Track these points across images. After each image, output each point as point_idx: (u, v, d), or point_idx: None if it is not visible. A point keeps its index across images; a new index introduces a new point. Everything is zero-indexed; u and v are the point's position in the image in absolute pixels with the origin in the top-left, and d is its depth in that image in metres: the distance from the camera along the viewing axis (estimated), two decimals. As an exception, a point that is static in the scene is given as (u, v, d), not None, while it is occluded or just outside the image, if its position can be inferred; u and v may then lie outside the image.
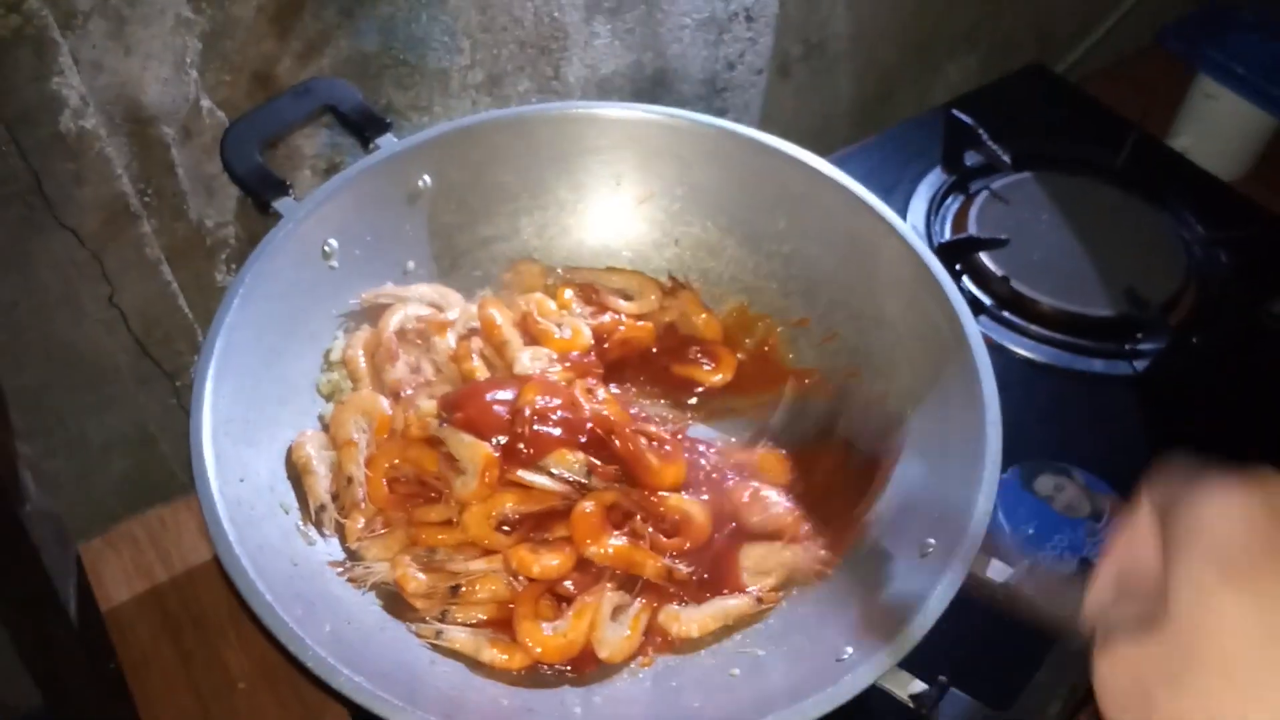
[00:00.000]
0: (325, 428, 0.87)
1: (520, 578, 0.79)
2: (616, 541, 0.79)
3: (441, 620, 0.77)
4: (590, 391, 0.86)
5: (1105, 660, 0.45)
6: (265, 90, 0.94)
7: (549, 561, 0.79)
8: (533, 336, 0.94)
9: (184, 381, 1.04)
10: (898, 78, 1.53)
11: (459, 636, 0.76)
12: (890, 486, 0.84)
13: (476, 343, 0.92)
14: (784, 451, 0.90)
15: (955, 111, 1.26)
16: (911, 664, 0.66)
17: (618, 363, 0.96)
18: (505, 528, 0.81)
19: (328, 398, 0.89)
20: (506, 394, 0.84)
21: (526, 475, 0.81)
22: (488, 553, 0.80)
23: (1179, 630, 0.43)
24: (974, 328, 0.82)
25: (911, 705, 0.65)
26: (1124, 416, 1.06)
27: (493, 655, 0.76)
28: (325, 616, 0.71)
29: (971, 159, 1.28)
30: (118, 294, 0.94)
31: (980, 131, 1.24)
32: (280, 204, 0.86)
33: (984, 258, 1.16)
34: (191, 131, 0.91)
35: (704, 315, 1.00)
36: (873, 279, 0.92)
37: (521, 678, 0.76)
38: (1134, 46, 1.69)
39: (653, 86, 1.23)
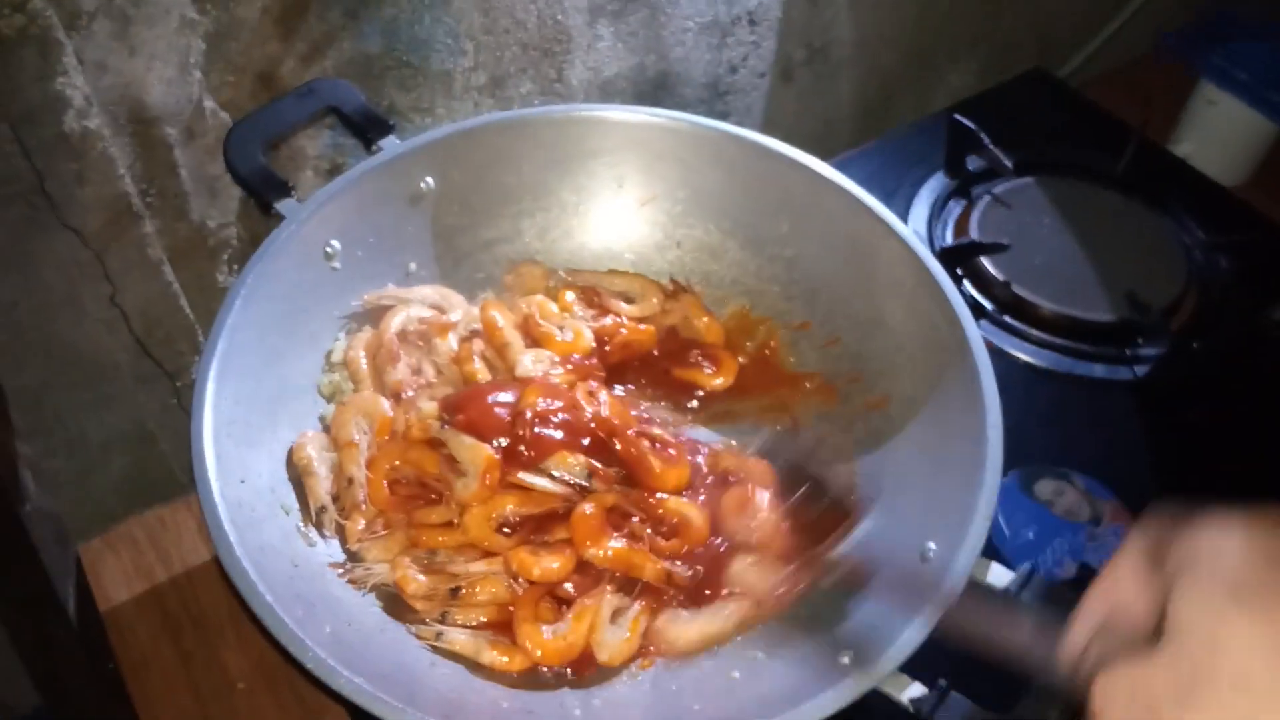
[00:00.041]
0: (326, 429, 0.87)
1: (520, 580, 0.79)
2: (616, 544, 0.79)
3: (442, 622, 0.77)
4: (592, 394, 0.86)
5: (1105, 683, 0.45)
6: (269, 91, 0.94)
7: (549, 564, 0.78)
8: (534, 339, 0.94)
9: (184, 381, 1.04)
10: (900, 82, 1.53)
11: (459, 638, 0.76)
12: (885, 498, 0.85)
13: (478, 345, 0.92)
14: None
15: (957, 116, 1.26)
16: (911, 668, 0.65)
17: (619, 365, 0.95)
18: (505, 530, 0.81)
19: (329, 399, 0.89)
20: (508, 396, 0.84)
21: (527, 477, 0.81)
22: (488, 555, 0.80)
23: (1187, 649, 0.43)
24: (975, 332, 0.82)
25: (911, 709, 0.65)
26: (1124, 421, 1.05)
27: (493, 657, 0.76)
28: (325, 618, 0.71)
29: (973, 164, 1.28)
30: (119, 294, 0.94)
31: (982, 136, 1.24)
32: (283, 205, 0.86)
33: (985, 262, 1.16)
34: (195, 132, 0.92)
35: (705, 319, 1.00)
36: (874, 283, 0.93)
37: (521, 680, 0.75)
38: (1135, 52, 1.69)
39: (655, 89, 1.23)
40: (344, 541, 0.81)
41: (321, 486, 0.82)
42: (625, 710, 0.75)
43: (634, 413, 0.89)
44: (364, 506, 0.82)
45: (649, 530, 0.81)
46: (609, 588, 0.79)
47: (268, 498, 0.78)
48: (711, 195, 1.01)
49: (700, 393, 0.96)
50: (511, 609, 0.78)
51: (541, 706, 0.74)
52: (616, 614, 0.78)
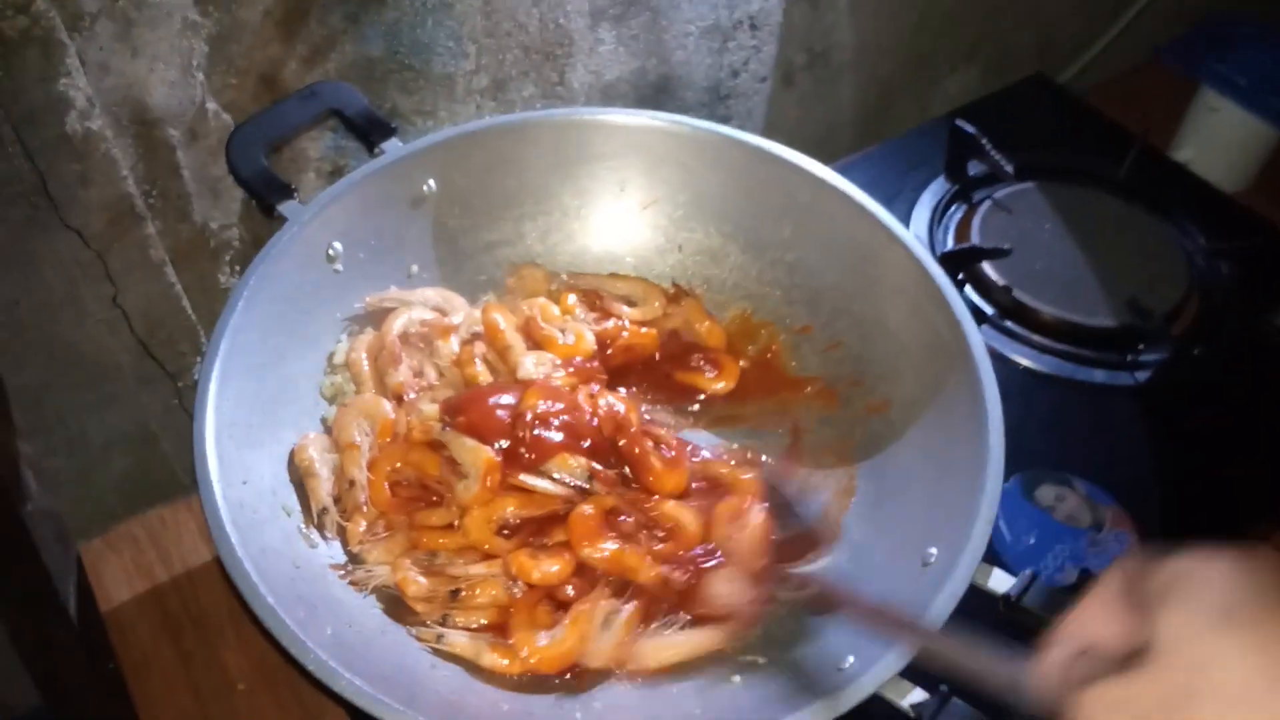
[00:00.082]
0: (328, 430, 0.87)
1: (519, 583, 0.79)
2: (612, 545, 0.79)
3: (442, 624, 0.77)
4: (594, 397, 0.86)
5: (1090, 698, 0.46)
6: (271, 94, 0.94)
7: (549, 567, 0.78)
8: (536, 341, 0.94)
9: (186, 382, 1.04)
10: (901, 87, 1.53)
11: (459, 640, 0.76)
12: (886, 503, 0.84)
13: (479, 347, 0.92)
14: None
15: (958, 121, 1.26)
16: (912, 673, 0.65)
17: (621, 369, 0.95)
18: (506, 532, 0.81)
19: (331, 400, 0.89)
20: (509, 398, 0.84)
21: (528, 479, 0.81)
22: (488, 557, 0.80)
23: (1177, 667, 0.43)
24: (977, 337, 0.82)
25: (912, 715, 0.65)
26: (1126, 427, 1.06)
27: (493, 660, 0.76)
28: (327, 619, 0.71)
29: (974, 168, 1.28)
30: (121, 294, 0.95)
31: (983, 141, 1.24)
32: (285, 207, 0.86)
33: (986, 267, 1.16)
34: (197, 134, 0.92)
35: (707, 322, 1.00)
36: (876, 287, 0.93)
37: (522, 683, 0.75)
38: (1136, 58, 1.69)
39: (656, 93, 1.23)
40: (345, 543, 0.81)
41: (323, 488, 0.82)
42: (625, 713, 0.75)
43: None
44: (365, 508, 0.82)
45: (643, 533, 0.81)
46: (605, 591, 0.78)
47: (269, 499, 0.78)
48: (713, 199, 1.01)
49: (701, 396, 0.97)
50: (512, 612, 0.78)
51: (542, 709, 0.74)
52: (609, 618, 0.77)
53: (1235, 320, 1.15)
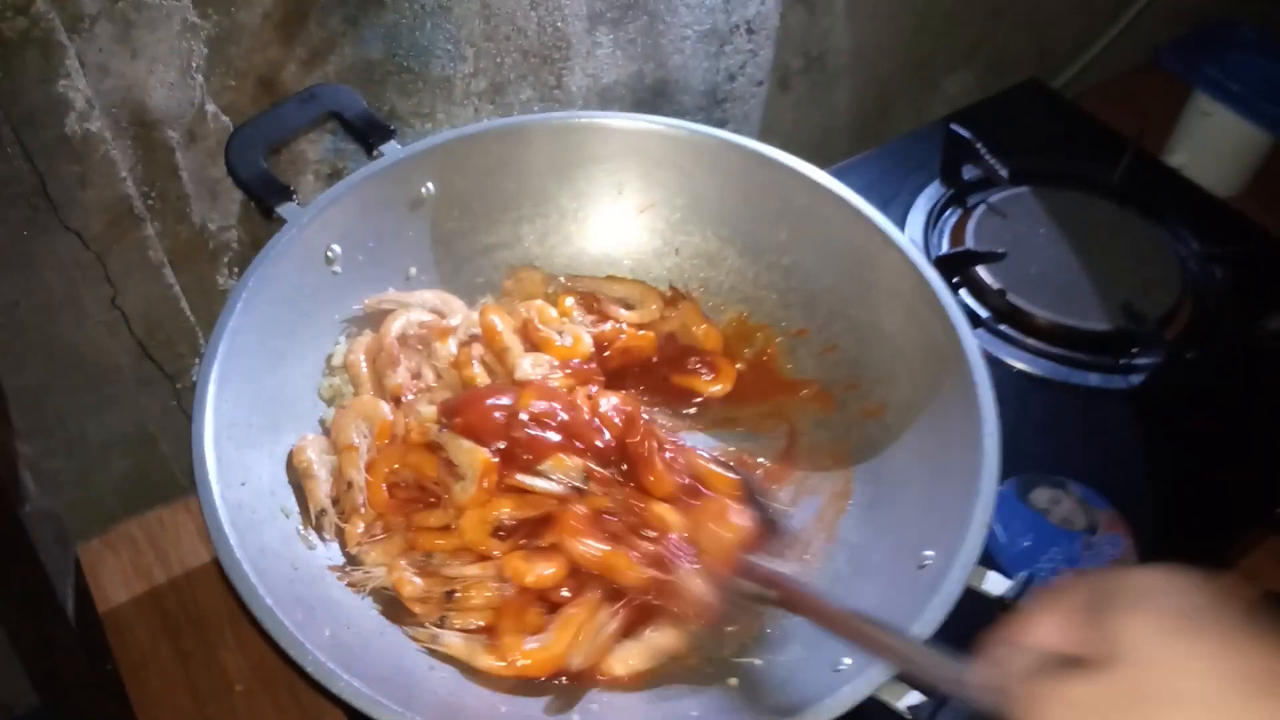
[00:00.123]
0: (326, 432, 0.87)
1: (512, 584, 0.78)
2: (599, 545, 0.78)
3: (440, 625, 0.77)
4: (592, 398, 0.86)
5: (1045, 699, 0.46)
6: (270, 96, 0.95)
7: (543, 570, 0.78)
8: (534, 343, 0.94)
9: (185, 383, 1.04)
10: (897, 92, 1.54)
11: (453, 641, 0.76)
12: (882, 506, 0.85)
13: (477, 349, 0.92)
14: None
15: (954, 126, 1.27)
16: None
17: (618, 371, 0.96)
18: (501, 534, 0.81)
19: (329, 402, 0.90)
20: (506, 400, 0.84)
21: (524, 479, 0.81)
22: (483, 558, 0.80)
23: (1136, 670, 0.44)
24: (971, 341, 0.83)
25: (909, 717, 0.65)
26: (1120, 430, 1.06)
27: (487, 661, 0.75)
28: (325, 621, 0.71)
29: (969, 173, 1.29)
30: (120, 296, 0.95)
31: (978, 146, 1.25)
32: (284, 209, 0.86)
33: (981, 271, 1.17)
34: (196, 135, 0.92)
35: (704, 325, 1.00)
36: (871, 291, 0.93)
37: (519, 685, 0.75)
38: (1131, 63, 1.70)
39: (653, 97, 1.24)
40: (343, 545, 0.81)
41: (321, 489, 0.82)
42: (623, 715, 0.75)
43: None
44: (363, 510, 0.82)
45: (631, 535, 0.81)
46: (596, 595, 0.78)
47: (268, 500, 0.78)
48: (710, 202, 1.01)
49: (698, 399, 0.97)
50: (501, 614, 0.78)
51: (539, 712, 0.74)
52: (601, 627, 0.77)
53: (1228, 325, 1.16)
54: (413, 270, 0.97)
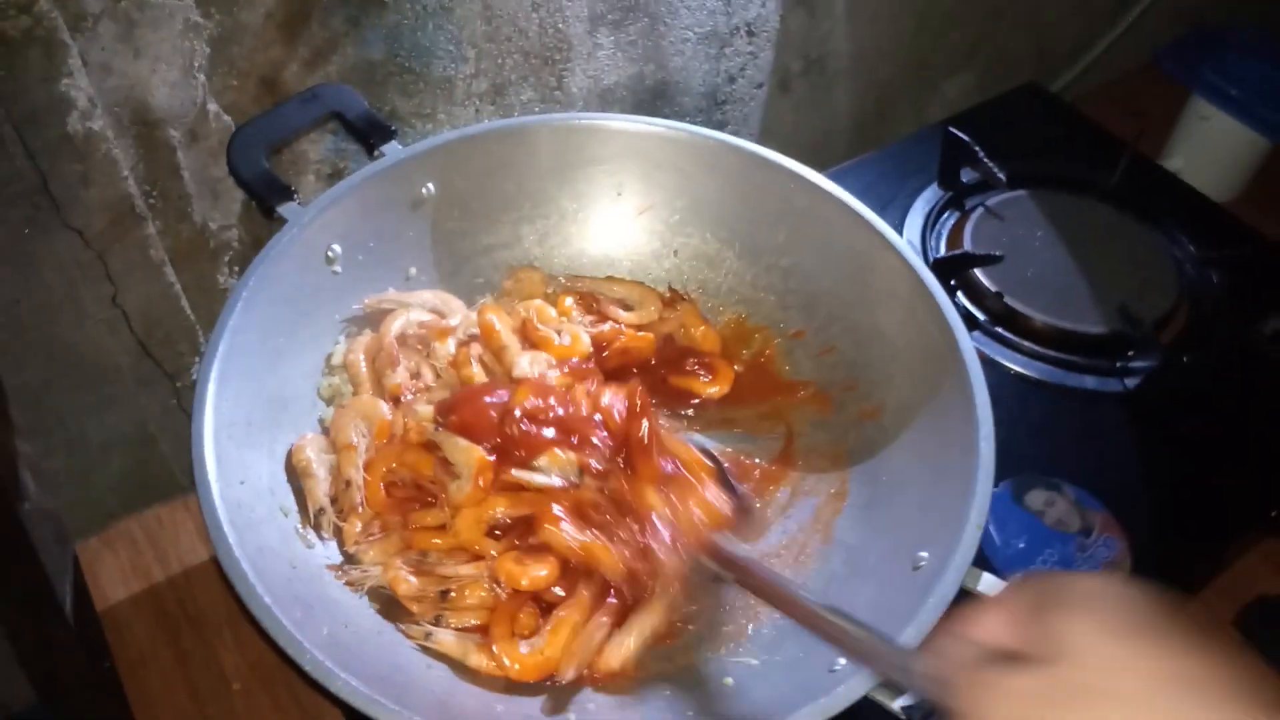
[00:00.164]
0: (326, 431, 0.87)
1: (504, 586, 0.78)
2: (577, 534, 0.78)
3: (435, 624, 0.77)
4: (592, 394, 0.86)
5: (986, 689, 0.47)
6: (272, 96, 0.95)
7: (537, 572, 0.78)
8: (532, 343, 0.94)
9: (185, 382, 1.04)
10: (896, 95, 1.54)
11: (446, 640, 0.76)
12: (878, 507, 0.86)
13: (476, 348, 0.92)
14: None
15: (952, 129, 1.28)
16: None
17: (616, 372, 0.96)
18: (496, 532, 0.81)
19: (328, 401, 0.90)
20: (501, 397, 0.84)
21: (519, 473, 0.80)
22: (478, 558, 0.80)
23: (1077, 667, 0.45)
24: (968, 343, 0.83)
25: (903, 717, 0.66)
26: (1115, 433, 1.07)
27: (481, 661, 0.76)
28: (323, 619, 0.72)
29: (967, 176, 1.29)
30: (121, 295, 0.95)
31: (976, 149, 1.25)
32: (285, 209, 0.87)
33: (978, 274, 1.17)
34: (198, 135, 0.92)
35: (702, 327, 1.01)
36: (869, 293, 0.93)
37: (514, 684, 0.76)
38: (1129, 67, 1.70)
39: (653, 98, 1.24)
40: (342, 544, 0.81)
41: (320, 489, 0.82)
42: (619, 714, 0.75)
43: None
44: (361, 509, 0.82)
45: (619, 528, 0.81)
46: (585, 597, 0.78)
47: (267, 499, 0.79)
48: (709, 204, 1.01)
49: (696, 400, 0.97)
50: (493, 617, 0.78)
51: (536, 710, 0.74)
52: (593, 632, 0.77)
53: (1224, 329, 1.16)
54: (413, 270, 0.97)
